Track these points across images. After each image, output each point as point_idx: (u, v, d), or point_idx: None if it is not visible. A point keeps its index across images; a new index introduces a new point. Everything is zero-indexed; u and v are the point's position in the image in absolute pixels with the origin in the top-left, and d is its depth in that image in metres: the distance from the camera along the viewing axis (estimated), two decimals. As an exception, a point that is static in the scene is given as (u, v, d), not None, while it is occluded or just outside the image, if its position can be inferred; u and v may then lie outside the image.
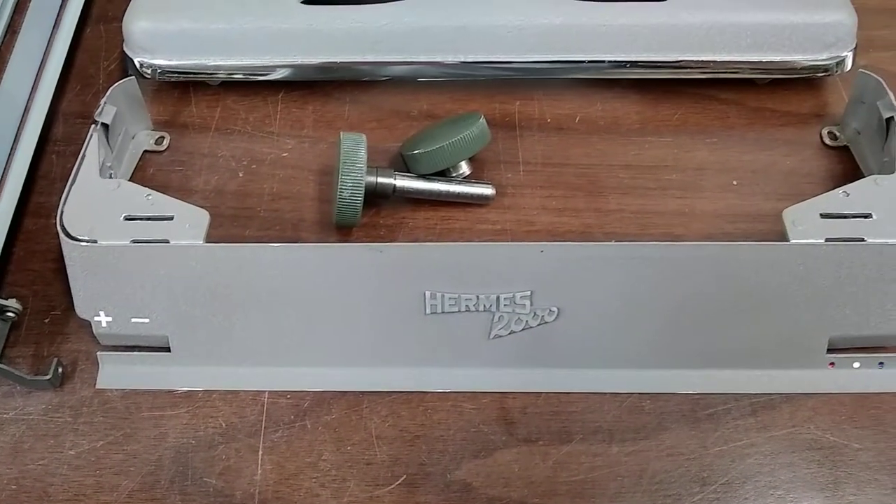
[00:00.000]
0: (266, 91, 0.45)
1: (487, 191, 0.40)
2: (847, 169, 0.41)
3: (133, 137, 0.43)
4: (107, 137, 0.40)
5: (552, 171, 0.41)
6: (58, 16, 0.48)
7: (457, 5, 0.42)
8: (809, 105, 0.43)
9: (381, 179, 0.39)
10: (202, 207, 0.40)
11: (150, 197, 0.36)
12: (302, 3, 0.42)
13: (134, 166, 0.42)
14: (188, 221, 0.35)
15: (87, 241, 0.35)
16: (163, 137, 0.43)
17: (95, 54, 0.47)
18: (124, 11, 0.44)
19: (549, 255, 0.34)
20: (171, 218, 0.35)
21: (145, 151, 0.43)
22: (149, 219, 0.35)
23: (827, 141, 0.42)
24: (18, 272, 0.40)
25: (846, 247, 0.33)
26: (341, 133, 0.39)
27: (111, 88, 0.40)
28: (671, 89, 0.43)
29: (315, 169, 0.42)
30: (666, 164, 0.41)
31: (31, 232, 0.41)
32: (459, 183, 0.40)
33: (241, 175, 0.42)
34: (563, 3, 0.41)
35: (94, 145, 0.38)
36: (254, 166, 0.42)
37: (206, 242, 0.35)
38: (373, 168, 0.39)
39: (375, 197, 0.39)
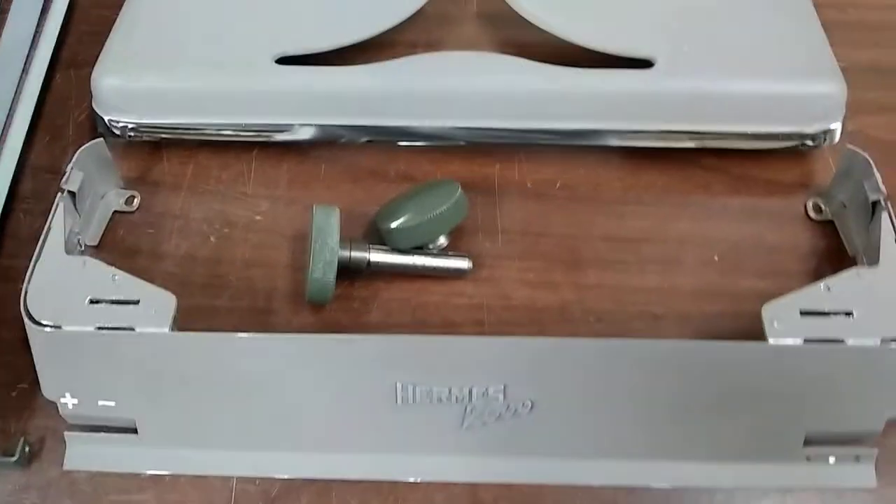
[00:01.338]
0: (239, 147, 0.44)
1: (464, 265, 0.39)
2: (831, 245, 0.40)
3: (102, 197, 0.42)
4: (74, 203, 0.39)
5: (531, 240, 0.41)
6: (26, 61, 0.47)
7: (435, 69, 0.41)
8: (795, 174, 0.42)
9: (354, 254, 0.38)
10: (173, 273, 0.40)
11: (116, 278, 0.35)
12: (275, 62, 0.41)
13: (103, 228, 0.41)
14: (154, 306, 0.34)
15: (52, 327, 0.34)
16: (133, 197, 0.42)
17: (65, 102, 0.46)
18: (95, 59, 0.43)
19: (523, 349, 0.34)
20: (136, 302, 0.34)
21: (115, 212, 0.42)
22: (114, 302, 0.34)
23: (812, 214, 0.41)
24: (-16, 342, 0.39)
25: (826, 348, 0.33)
26: (314, 207, 0.38)
27: (78, 152, 0.39)
28: (655, 154, 0.43)
29: (289, 234, 0.41)
30: (647, 237, 0.40)
31: (-1, 298, 0.40)
32: (435, 256, 0.39)
33: (212, 240, 0.41)
34: (545, 68, 0.40)
35: (59, 216, 0.37)
36: (226, 230, 0.41)
37: (173, 328, 0.34)
38: (346, 242, 0.38)
39: (349, 270, 0.39)
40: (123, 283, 0.35)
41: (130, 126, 0.42)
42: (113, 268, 0.36)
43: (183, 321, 0.35)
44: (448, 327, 0.38)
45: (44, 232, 0.37)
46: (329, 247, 0.36)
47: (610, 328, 0.38)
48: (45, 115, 0.46)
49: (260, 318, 0.39)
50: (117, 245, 0.41)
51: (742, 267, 0.40)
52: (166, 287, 0.36)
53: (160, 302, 0.34)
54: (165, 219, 0.42)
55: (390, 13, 0.43)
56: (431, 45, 0.47)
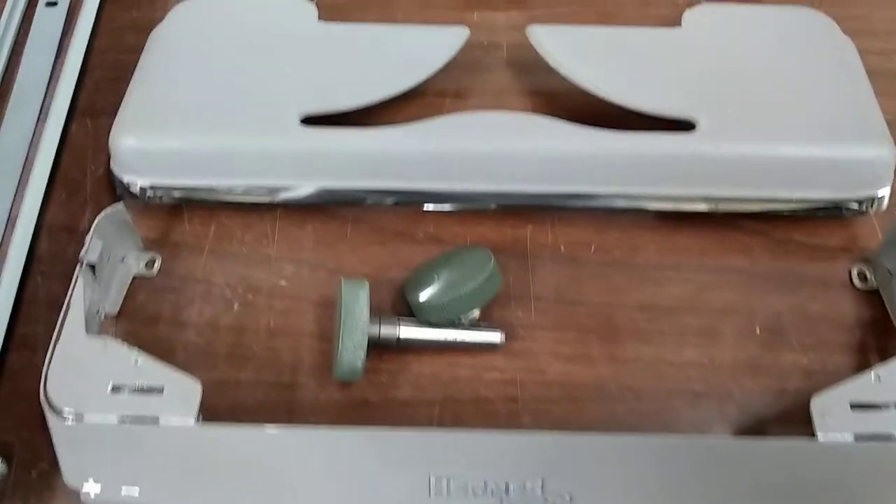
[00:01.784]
0: (263, 207, 0.42)
1: (496, 338, 0.38)
2: (877, 315, 0.39)
3: (122, 260, 0.41)
4: (93, 271, 0.38)
5: (565, 309, 0.39)
6: (41, 110, 0.46)
7: (465, 130, 0.39)
8: (839, 238, 0.41)
9: (384, 331, 0.37)
10: (196, 343, 0.39)
11: (138, 361, 0.34)
12: (301, 123, 0.40)
13: (124, 294, 0.40)
14: (178, 394, 0.33)
15: (72, 417, 0.33)
16: (154, 260, 0.41)
17: (82, 154, 0.45)
18: (113, 107, 0.42)
19: (562, 444, 0.32)
20: (160, 390, 0.33)
21: (135, 276, 0.41)
22: (137, 390, 0.33)
23: (857, 282, 0.39)
24: (3, 416, 0.38)
25: (877, 446, 0.31)
26: (342, 282, 0.36)
27: (98, 219, 0.38)
28: (692, 215, 0.41)
29: (314, 300, 0.40)
30: (685, 306, 0.39)
31: (17, 370, 0.39)
32: (467, 330, 0.38)
33: (236, 307, 0.40)
34: (582, 131, 0.39)
35: (79, 293, 0.36)
36: (250, 296, 0.40)
37: (199, 418, 0.33)
38: (376, 318, 0.37)
39: (378, 346, 0.37)
40: (146, 367, 0.34)
41: (150, 188, 0.41)
42: (135, 350, 0.35)
43: (206, 395, 0.34)
44: (480, 404, 0.37)
45: (63, 309, 0.36)
46: (358, 328, 0.35)
47: (648, 406, 0.37)
48: (61, 168, 0.44)
49: (285, 393, 0.38)
50: (138, 312, 0.40)
51: (784, 339, 0.38)
52: (189, 358, 0.35)
53: (185, 390, 0.33)
54: (187, 283, 0.41)
55: (417, 70, 0.42)
56: (460, 95, 0.45)
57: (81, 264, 0.37)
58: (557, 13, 0.48)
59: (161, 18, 0.48)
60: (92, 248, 0.38)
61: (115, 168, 0.41)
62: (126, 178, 0.40)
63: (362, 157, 0.39)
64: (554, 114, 0.44)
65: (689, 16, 0.44)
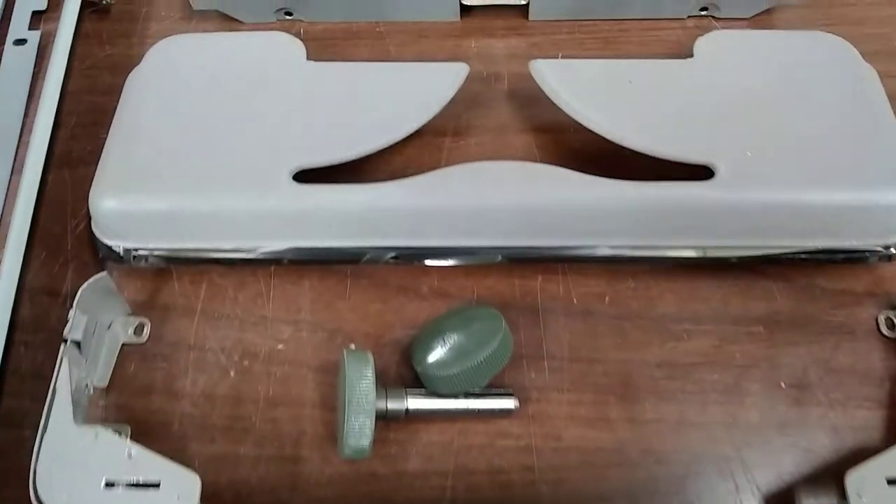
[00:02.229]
0: (256, 263, 0.40)
1: (510, 404, 0.36)
2: (907, 366, 0.37)
3: (109, 327, 0.39)
4: (78, 347, 0.36)
5: (580, 368, 0.37)
6: (14, 161, 0.43)
7: (467, 183, 0.37)
8: (865, 283, 0.39)
9: (391, 405, 0.35)
10: (191, 414, 0.37)
11: (132, 453, 0.32)
12: (292, 178, 0.37)
13: (112, 364, 0.38)
14: (177, 490, 0.31)
15: (64, 519, 0.31)
16: (142, 325, 0.39)
17: (60, 209, 0.42)
18: (91, 156, 0.39)
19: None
20: (157, 485, 0.31)
21: (124, 344, 0.39)
22: (132, 486, 0.31)
23: (884, 330, 0.38)
24: (-10, 501, 0.36)
25: (919, 525, 0.30)
26: (345, 354, 0.34)
27: (80, 292, 0.35)
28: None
29: (314, 365, 0.38)
30: (706, 361, 0.37)
31: (4, 449, 0.36)
32: (478, 397, 0.36)
33: (232, 374, 0.38)
34: (594, 182, 0.37)
35: (64, 376, 0.34)
36: (246, 362, 0.38)
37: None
38: (382, 391, 0.35)
39: (386, 420, 0.36)
40: (141, 460, 0.32)
41: (135, 250, 0.38)
42: (128, 441, 0.32)
43: (205, 471, 0.33)
44: (494, 474, 0.35)
45: (49, 395, 0.34)
46: (364, 407, 0.33)
47: (671, 471, 0.35)
48: (39, 224, 0.42)
49: (288, 467, 0.36)
50: (129, 383, 0.38)
51: (811, 393, 0.37)
52: (184, 432, 0.33)
53: (183, 484, 0.31)
54: (179, 349, 0.39)
55: (415, 114, 0.39)
56: (459, 133, 0.43)
57: (65, 343, 0.35)
58: (558, 40, 0.46)
59: (137, 56, 0.45)
60: (76, 326, 0.35)
61: (97, 230, 0.38)
62: (108, 242, 0.38)
63: (360, 215, 0.37)
64: (560, 152, 0.42)
65: (701, 45, 0.41)
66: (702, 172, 0.38)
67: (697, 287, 0.39)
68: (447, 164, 0.42)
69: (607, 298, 0.39)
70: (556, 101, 0.40)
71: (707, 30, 0.46)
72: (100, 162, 0.39)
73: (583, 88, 0.40)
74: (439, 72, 0.41)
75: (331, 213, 0.37)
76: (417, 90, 0.40)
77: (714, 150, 0.37)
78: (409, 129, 0.39)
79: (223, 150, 0.38)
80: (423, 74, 0.41)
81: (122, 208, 0.37)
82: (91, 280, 0.36)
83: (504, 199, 0.37)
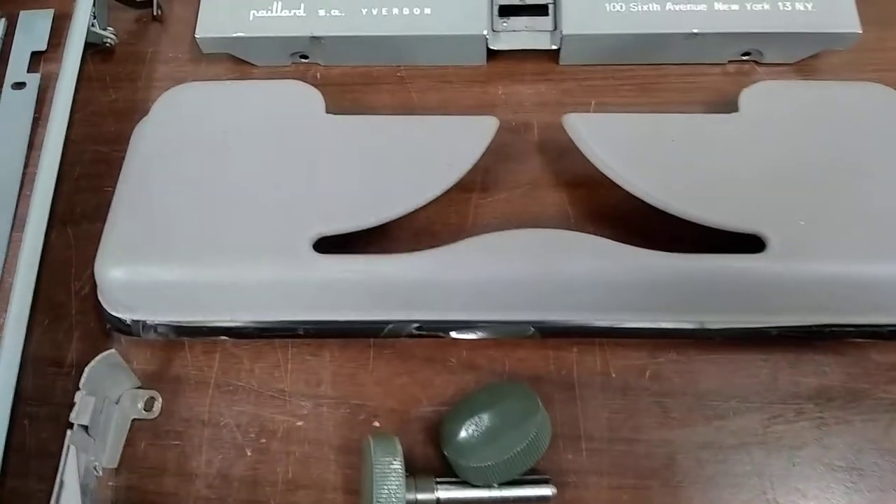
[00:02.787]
0: (273, 333, 0.38)
1: (546, 491, 0.34)
2: (969, 447, 0.35)
3: (117, 402, 0.37)
4: (86, 430, 0.34)
5: (620, 449, 0.35)
6: (14, 217, 0.41)
7: (502, 255, 0.35)
8: (921, 356, 0.37)
9: (420, 496, 0.33)
10: (206, 498, 0.35)
11: (146, 556, 0.30)
12: (312, 247, 0.35)
13: (122, 443, 0.36)
14: None
15: None
16: (153, 400, 0.37)
17: (63, 270, 0.40)
18: (96, 212, 0.37)
19: None
20: None
21: (134, 419, 0.37)
22: None
23: (944, 409, 0.36)
24: None
25: None
26: (371, 442, 0.32)
27: (86, 372, 0.33)
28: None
29: (336, 445, 0.36)
30: (755, 441, 0.35)
31: (5, 537, 0.35)
32: (513, 485, 0.34)
33: (249, 453, 0.36)
34: (635, 253, 0.34)
35: (72, 465, 0.32)
36: (263, 440, 0.36)
37: None
38: (411, 481, 0.33)
39: None
40: (155, 564, 0.30)
41: (143, 323, 0.36)
42: (141, 542, 0.31)
43: None
44: (530, 566, 0.34)
45: (56, 487, 0.32)
46: (392, 502, 0.31)
47: (718, 564, 0.34)
48: (41, 287, 0.39)
49: (310, 558, 0.34)
50: (140, 462, 0.36)
51: (865, 479, 0.35)
52: None
53: (201, 593, 0.30)
54: (193, 426, 0.37)
55: (442, 175, 0.37)
56: (487, 188, 0.41)
57: (72, 427, 0.33)
58: (591, 86, 0.43)
59: (143, 101, 0.43)
60: (83, 409, 0.33)
61: (103, 301, 0.36)
62: (115, 314, 0.36)
63: (385, 288, 0.35)
64: (594, 209, 0.40)
65: (746, 98, 0.39)
66: (748, 238, 0.36)
67: (742, 360, 0.37)
68: (474, 222, 0.40)
69: (648, 373, 0.37)
70: (593, 160, 0.38)
71: (749, 76, 0.44)
72: (105, 227, 0.37)
73: (621, 146, 0.38)
74: (468, 126, 0.39)
75: (354, 286, 0.35)
76: (444, 148, 0.38)
77: (764, 217, 0.35)
78: (435, 193, 0.37)
79: (237, 214, 0.36)
80: (451, 129, 0.39)
81: (130, 279, 0.35)
82: (98, 358, 0.34)
83: (538, 273, 0.35)
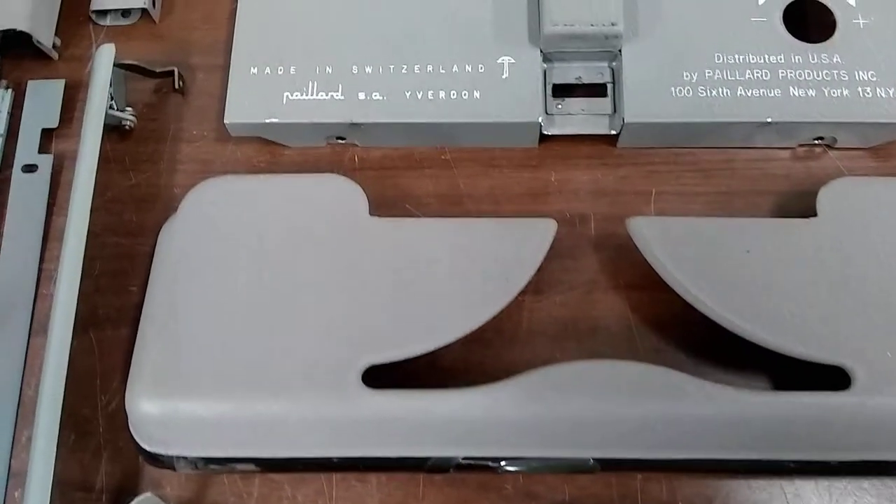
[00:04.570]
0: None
1: None
2: None
3: (151, 536, 0.35)
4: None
5: (688, 587, 0.34)
6: (32, 321, 0.39)
7: (566, 393, 0.33)
8: None
9: None
10: None
11: None
12: (361, 380, 0.33)
13: (158, 579, 0.35)
14: None
15: None
16: (190, 531, 0.36)
17: (89, 381, 0.38)
18: (120, 316, 0.36)
19: None
20: None
21: (170, 554, 0.35)
22: None
23: None
24: None
25: None
26: None
27: (123, 518, 0.32)
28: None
29: (388, 585, 0.35)
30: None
31: None
32: None
33: None
34: (709, 389, 0.32)
35: None
36: (309, 579, 0.35)
37: None
38: None
39: None
40: None
41: (178, 459, 0.34)
42: None
43: None
44: None
45: None
46: None
47: None
48: (66, 401, 0.37)
49: None
50: None
51: None
52: None
53: None
54: (232, 561, 0.35)
55: (499, 294, 0.35)
56: (541, 290, 0.39)
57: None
58: (651, 172, 0.41)
59: (166, 187, 0.41)
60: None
61: (135, 434, 0.34)
62: (148, 448, 0.34)
63: (439, 426, 0.33)
64: (658, 316, 0.38)
65: (825, 198, 0.37)
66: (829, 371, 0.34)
67: (805, 487, 0.36)
68: (529, 329, 0.39)
69: (717, 502, 0.36)
70: (660, 272, 0.36)
71: (820, 160, 0.41)
72: (134, 352, 0.35)
73: (690, 259, 0.36)
74: (524, 232, 0.37)
75: (405, 423, 0.33)
76: (500, 257, 0.36)
77: (847, 347, 0.34)
78: (492, 313, 0.35)
79: (277, 338, 0.34)
80: (506, 235, 0.36)
81: (163, 414, 0.34)
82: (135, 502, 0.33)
83: (605, 413, 0.33)
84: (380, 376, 0.34)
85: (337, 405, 0.33)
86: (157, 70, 0.42)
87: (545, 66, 0.41)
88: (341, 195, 0.38)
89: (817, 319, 0.34)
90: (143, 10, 0.44)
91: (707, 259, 0.36)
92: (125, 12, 0.45)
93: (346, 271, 0.36)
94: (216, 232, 0.37)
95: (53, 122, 0.42)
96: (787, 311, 0.35)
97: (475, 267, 0.36)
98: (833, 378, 0.34)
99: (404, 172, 0.42)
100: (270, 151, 0.42)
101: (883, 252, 0.36)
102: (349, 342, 0.34)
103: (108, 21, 0.45)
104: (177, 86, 0.42)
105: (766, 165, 0.41)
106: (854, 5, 0.40)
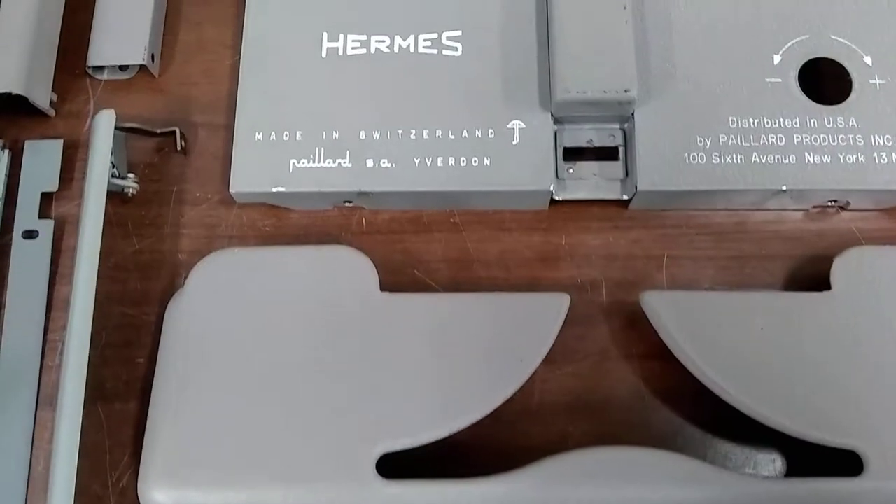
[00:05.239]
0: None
1: None
2: None
3: None
4: None
5: None
6: (39, 393, 0.39)
7: (585, 480, 0.33)
8: None
9: None
10: None
11: None
12: (376, 469, 0.34)
13: None
14: None
15: None
16: None
17: (97, 456, 0.38)
18: (129, 391, 0.36)
19: None
20: None
21: None
22: None
23: None
24: None
25: None
26: None
27: None
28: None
29: None
30: None
31: None
32: None
33: None
34: (727, 478, 0.33)
35: None
36: None
37: None
38: None
39: None
40: None
41: (195, 545, 0.35)
42: None
43: None
44: None
45: None
46: None
47: None
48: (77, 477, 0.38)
49: None
50: None
51: None
52: None
53: None
54: None
55: (515, 375, 0.35)
56: (552, 360, 0.38)
57: None
58: (663, 235, 0.41)
59: (171, 253, 0.41)
60: None
61: (150, 520, 0.35)
62: (167, 534, 0.34)
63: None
64: (672, 387, 0.38)
65: (839, 270, 0.37)
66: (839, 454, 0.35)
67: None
68: (541, 401, 0.39)
69: (729, 578, 0.36)
70: (673, 350, 0.36)
71: (832, 222, 0.41)
72: (145, 437, 0.35)
73: (704, 337, 0.36)
74: (538, 308, 0.37)
75: (426, 512, 0.34)
76: (514, 336, 0.36)
77: (861, 430, 0.34)
78: (508, 394, 0.35)
79: (290, 423, 0.34)
80: (519, 311, 0.36)
81: (173, 501, 0.34)
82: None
83: (624, 499, 0.33)
84: (391, 453, 0.35)
85: (352, 497, 0.34)
86: (158, 131, 0.42)
87: (555, 127, 0.40)
88: (351, 269, 0.38)
89: (831, 401, 0.35)
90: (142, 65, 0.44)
91: (721, 337, 0.36)
92: (123, 66, 0.44)
93: (358, 352, 0.36)
94: (224, 310, 0.37)
95: (53, 186, 0.41)
96: (800, 394, 0.35)
97: (489, 346, 0.36)
98: (846, 455, 0.35)
99: (413, 236, 0.42)
100: (276, 214, 0.42)
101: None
102: (363, 429, 0.35)
103: (105, 75, 0.44)
104: (179, 147, 0.42)
105: (778, 227, 0.41)
106: (871, 65, 0.40)
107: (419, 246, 0.41)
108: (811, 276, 0.40)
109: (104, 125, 0.40)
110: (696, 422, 0.38)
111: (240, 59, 0.42)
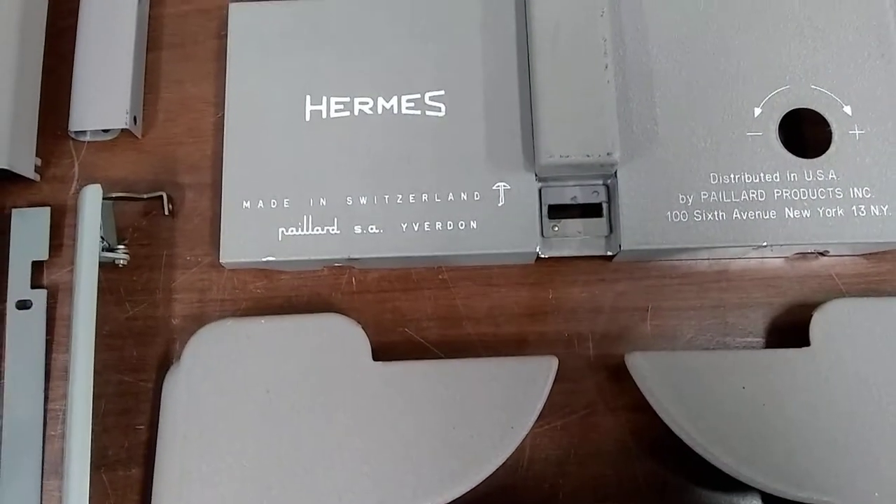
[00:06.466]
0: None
1: None
2: None
3: None
4: None
5: None
6: (43, 462, 0.40)
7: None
8: None
9: None
10: None
11: None
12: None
13: None
14: None
15: None
16: None
17: (106, 526, 0.40)
18: (132, 459, 0.38)
19: None
20: None
21: None
22: None
23: None
24: None
25: None
26: None
27: None
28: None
29: None
30: None
31: None
32: None
33: None
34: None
35: None
36: None
37: None
38: None
39: None
40: None
41: None
42: None
43: None
44: None
45: None
46: None
47: None
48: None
49: None
50: None
51: None
52: None
53: None
54: None
55: (505, 444, 0.37)
56: (542, 416, 0.39)
57: None
58: (648, 287, 0.42)
59: (164, 318, 0.42)
60: None
61: None
62: None
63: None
64: (657, 439, 0.40)
65: (817, 325, 0.38)
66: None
67: None
68: (532, 457, 0.41)
69: None
70: (658, 411, 0.38)
71: (811, 268, 0.43)
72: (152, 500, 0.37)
73: (687, 398, 0.38)
74: (526, 372, 0.38)
75: None
76: (504, 402, 0.38)
77: (835, 487, 0.36)
78: (500, 461, 0.37)
79: (289, 490, 0.36)
80: (508, 377, 0.38)
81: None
82: None
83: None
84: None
85: None
86: (145, 196, 0.43)
87: (540, 185, 0.41)
88: (344, 339, 0.39)
89: (810, 459, 0.37)
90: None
91: (704, 397, 0.38)
92: (105, 129, 0.44)
93: (352, 422, 0.38)
94: (220, 382, 0.39)
95: (43, 255, 0.42)
96: (781, 452, 0.37)
97: (480, 415, 0.38)
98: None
99: (402, 294, 0.43)
100: (267, 276, 0.43)
101: (874, 382, 0.38)
102: (358, 498, 0.36)
103: (88, 137, 0.44)
104: (166, 211, 0.43)
105: (759, 274, 0.43)
106: (850, 115, 0.41)
107: (409, 304, 0.43)
108: (791, 323, 0.42)
109: (90, 200, 0.40)
110: (683, 473, 0.40)
111: (223, 116, 0.43)
